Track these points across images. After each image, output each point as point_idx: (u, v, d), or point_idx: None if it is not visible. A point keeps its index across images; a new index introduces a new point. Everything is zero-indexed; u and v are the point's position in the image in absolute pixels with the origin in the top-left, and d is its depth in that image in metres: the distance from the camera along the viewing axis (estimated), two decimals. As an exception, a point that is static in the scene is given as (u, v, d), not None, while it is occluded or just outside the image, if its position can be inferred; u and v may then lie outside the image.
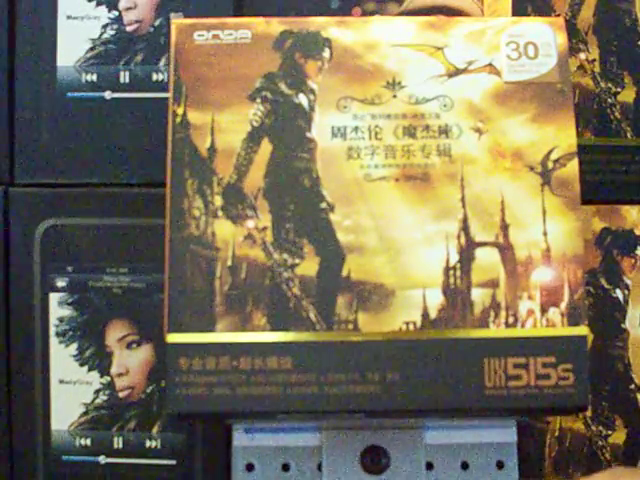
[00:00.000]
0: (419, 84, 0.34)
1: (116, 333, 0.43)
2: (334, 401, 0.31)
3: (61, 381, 0.42)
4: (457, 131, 0.33)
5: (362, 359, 0.31)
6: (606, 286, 0.42)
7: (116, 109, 0.43)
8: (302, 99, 0.34)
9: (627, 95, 0.43)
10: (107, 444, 0.42)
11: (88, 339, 0.42)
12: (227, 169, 0.33)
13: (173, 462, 0.42)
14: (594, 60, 0.43)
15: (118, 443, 0.42)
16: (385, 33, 0.34)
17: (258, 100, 0.33)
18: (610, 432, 0.42)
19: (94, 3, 0.43)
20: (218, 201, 0.33)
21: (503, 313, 0.32)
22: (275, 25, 0.34)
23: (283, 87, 0.34)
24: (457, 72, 0.34)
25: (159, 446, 0.42)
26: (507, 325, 0.32)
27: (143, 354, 0.42)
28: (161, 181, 0.33)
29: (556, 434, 0.42)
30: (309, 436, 0.39)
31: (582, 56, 0.43)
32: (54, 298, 0.43)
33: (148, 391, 0.42)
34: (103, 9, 0.43)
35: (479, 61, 0.34)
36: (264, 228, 0.33)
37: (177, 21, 0.35)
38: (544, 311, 0.32)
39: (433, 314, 0.32)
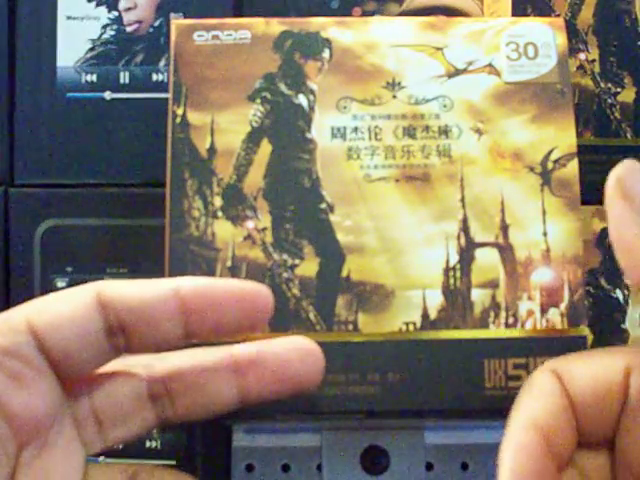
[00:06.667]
0: (419, 84, 0.34)
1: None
2: (334, 402, 0.31)
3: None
4: (457, 131, 0.33)
5: (362, 359, 0.31)
6: (606, 286, 0.42)
7: (116, 109, 0.43)
8: (302, 99, 0.34)
9: (627, 95, 0.43)
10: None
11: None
12: (227, 169, 0.33)
13: (173, 462, 0.42)
14: (594, 60, 0.43)
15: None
16: (385, 33, 0.34)
17: (258, 100, 0.33)
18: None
19: (94, 3, 0.43)
20: (218, 202, 0.33)
21: (503, 313, 0.32)
22: (275, 25, 0.34)
23: (283, 87, 0.34)
24: (457, 72, 0.34)
25: (159, 446, 0.42)
26: (507, 325, 0.32)
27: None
28: (161, 181, 0.33)
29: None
30: (309, 436, 0.39)
31: (582, 56, 0.43)
32: (54, 298, 0.42)
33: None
34: (103, 9, 0.43)
35: (479, 61, 0.34)
36: (264, 229, 0.33)
37: (177, 21, 0.35)
38: (544, 311, 0.32)
39: (433, 315, 0.32)
